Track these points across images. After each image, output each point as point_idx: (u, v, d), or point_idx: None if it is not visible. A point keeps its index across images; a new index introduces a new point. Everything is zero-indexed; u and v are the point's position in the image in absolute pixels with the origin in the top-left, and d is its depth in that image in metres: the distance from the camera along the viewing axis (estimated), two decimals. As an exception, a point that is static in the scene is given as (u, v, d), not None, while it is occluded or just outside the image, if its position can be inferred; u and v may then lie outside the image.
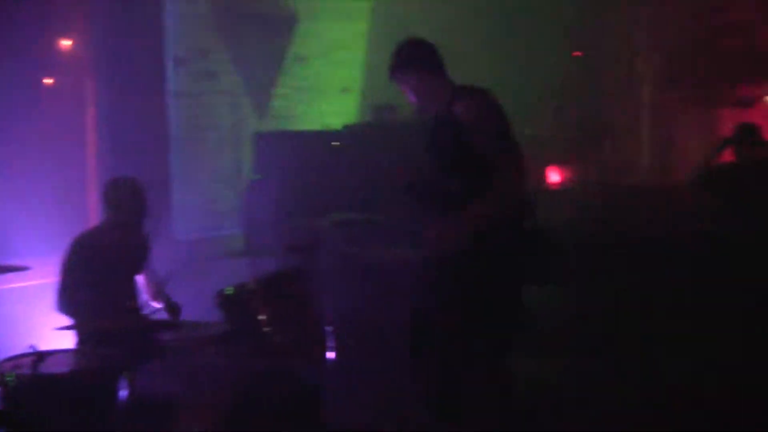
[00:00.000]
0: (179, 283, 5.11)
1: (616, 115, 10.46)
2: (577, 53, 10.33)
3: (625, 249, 6.78)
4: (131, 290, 4.76)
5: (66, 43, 6.81)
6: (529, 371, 5.52)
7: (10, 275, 4.48)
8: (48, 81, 6.72)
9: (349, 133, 7.26)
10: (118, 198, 4.79)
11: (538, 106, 9.73)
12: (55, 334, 4.17)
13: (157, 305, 4.94)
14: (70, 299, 4.64)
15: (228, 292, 4.45)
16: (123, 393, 4.07)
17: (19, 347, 4.06)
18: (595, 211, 6.63)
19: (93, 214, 6.86)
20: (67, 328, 4.26)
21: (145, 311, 4.75)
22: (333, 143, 6.66)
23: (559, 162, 10.20)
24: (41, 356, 3.93)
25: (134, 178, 4.93)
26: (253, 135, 7.01)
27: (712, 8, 9.69)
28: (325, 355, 4.85)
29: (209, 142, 8.05)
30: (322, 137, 7.37)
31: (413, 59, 4.16)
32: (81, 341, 4.43)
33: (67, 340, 4.41)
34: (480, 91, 4.11)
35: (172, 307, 4.88)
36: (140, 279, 5.02)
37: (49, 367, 3.91)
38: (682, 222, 7.48)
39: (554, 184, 10.20)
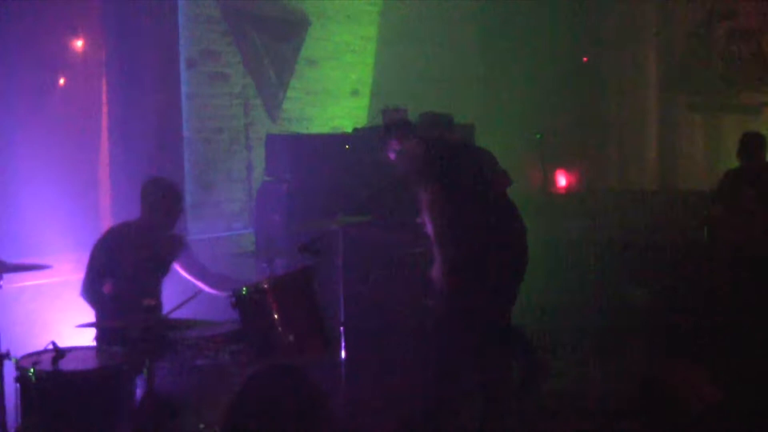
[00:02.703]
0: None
1: (622, 120, 10.50)
2: (585, 59, 10.38)
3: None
4: (153, 289, 4.82)
5: (78, 43, 6.85)
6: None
7: (31, 272, 4.57)
8: (60, 82, 6.75)
9: (359, 135, 7.32)
10: (155, 198, 4.91)
11: (546, 110, 9.78)
12: (75, 330, 4.23)
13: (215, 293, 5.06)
14: (93, 287, 4.73)
15: (243, 292, 4.51)
16: (140, 390, 4.15)
17: (40, 344, 4.14)
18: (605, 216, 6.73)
19: (104, 214, 6.91)
20: (87, 325, 4.32)
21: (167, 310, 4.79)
22: (346, 146, 6.71)
23: (567, 166, 10.26)
24: (61, 353, 4.01)
25: (172, 181, 5.12)
26: (266, 137, 7.07)
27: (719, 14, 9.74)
28: (336, 353, 4.94)
29: (221, 144, 8.10)
30: (333, 140, 7.45)
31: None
32: (100, 338, 4.50)
33: (87, 337, 4.48)
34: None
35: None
36: (183, 273, 5.15)
37: (68, 364, 3.99)
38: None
39: (561, 189, 10.24)
